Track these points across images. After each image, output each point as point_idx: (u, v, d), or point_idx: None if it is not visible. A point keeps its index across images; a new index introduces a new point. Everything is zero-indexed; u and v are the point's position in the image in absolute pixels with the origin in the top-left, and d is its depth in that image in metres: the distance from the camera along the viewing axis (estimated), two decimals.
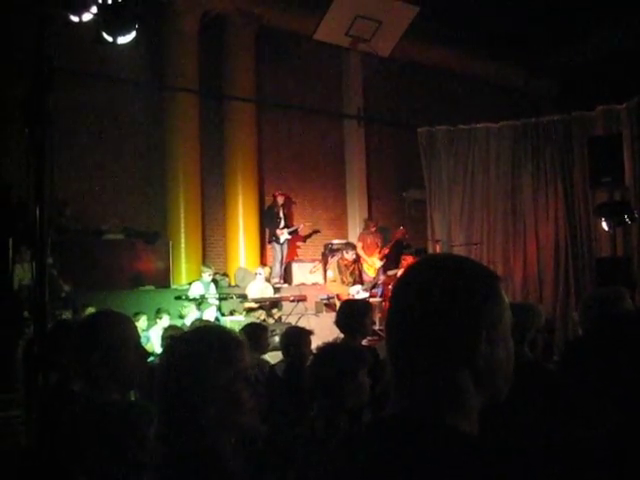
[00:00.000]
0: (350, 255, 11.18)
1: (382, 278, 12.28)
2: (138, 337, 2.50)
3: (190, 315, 10.06)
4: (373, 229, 13.04)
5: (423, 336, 1.21)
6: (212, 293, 11.06)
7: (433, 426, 1.19)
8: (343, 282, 11.03)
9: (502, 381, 1.27)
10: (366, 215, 14.76)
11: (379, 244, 12.67)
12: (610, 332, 1.76)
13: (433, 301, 1.22)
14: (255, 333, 5.73)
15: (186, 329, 6.95)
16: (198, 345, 1.76)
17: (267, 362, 5.78)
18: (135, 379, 2.37)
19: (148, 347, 8.22)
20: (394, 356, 1.27)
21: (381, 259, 12.31)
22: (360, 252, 12.29)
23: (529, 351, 3.49)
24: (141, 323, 9.19)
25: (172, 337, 1.92)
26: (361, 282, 11.35)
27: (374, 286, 11.90)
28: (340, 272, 11.05)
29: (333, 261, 11.66)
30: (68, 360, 2.42)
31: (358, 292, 10.86)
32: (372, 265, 12.30)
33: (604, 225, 9.46)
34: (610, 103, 11.13)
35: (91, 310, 8.27)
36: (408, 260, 11.53)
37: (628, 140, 10.49)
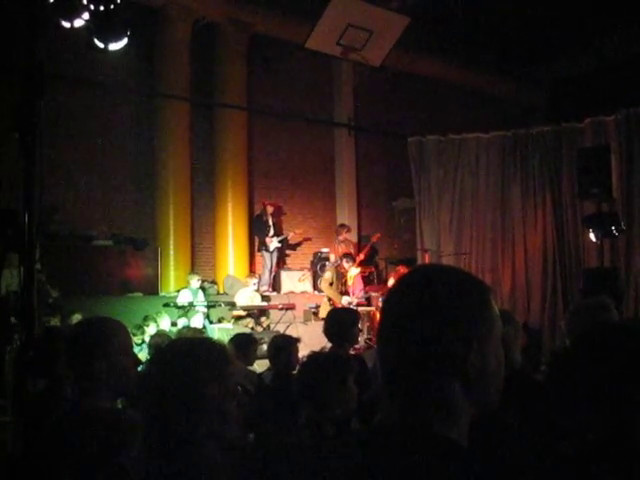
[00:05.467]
0: (348, 265, 11.16)
1: (365, 289, 12.21)
2: (132, 344, 2.50)
3: (163, 322, 9.97)
4: (342, 237, 12.98)
5: (414, 346, 1.21)
6: (200, 300, 11.03)
7: (423, 435, 1.19)
8: (338, 288, 11.00)
9: (493, 391, 1.27)
10: (355, 224, 14.77)
11: (352, 252, 12.62)
12: (596, 342, 1.77)
13: (424, 312, 1.22)
14: (244, 344, 5.73)
15: (173, 336, 6.95)
16: (190, 362, 1.75)
17: (254, 372, 5.78)
18: (127, 386, 2.37)
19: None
20: (385, 365, 1.27)
21: (357, 266, 12.28)
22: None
23: (519, 359, 3.51)
24: (151, 329, 9.15)
25: (162, 348, 1.91)
26: (347, 293, 11.28)
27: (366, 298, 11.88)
28: (337, 278, 11.01)
29: (332, 266, 11.60)
30: (61, 367, 2.41)
31: (350, 303, 10.78)
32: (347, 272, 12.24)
33: (592, 236, 9.50)
34: (599, 115, 11.21)
35: (77, 317, 8.23)
36: (401, 271, 11.52)
37: (616, 152, 10.55)
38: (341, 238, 12.99)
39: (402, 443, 1.18)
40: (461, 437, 1.22)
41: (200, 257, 13.21)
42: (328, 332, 4.72)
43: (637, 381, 1.63)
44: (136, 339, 8.81)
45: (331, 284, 10.98)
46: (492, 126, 12.79)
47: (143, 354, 8.64)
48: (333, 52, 11.75)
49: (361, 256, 12.43)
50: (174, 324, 10.20)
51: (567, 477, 1.69)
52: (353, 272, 12.07)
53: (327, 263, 12.57)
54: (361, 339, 9.94)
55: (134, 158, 12.61)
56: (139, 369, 2.96)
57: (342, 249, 12.51)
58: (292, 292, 12.86)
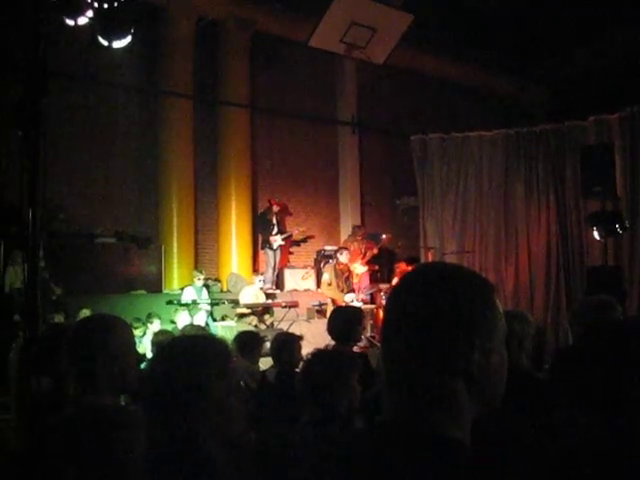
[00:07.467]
0: (344, 257, 11.08)
1: (370, 286, 12.22)
2: (134, 341, 2.50)
3: (181, 320, 10.03)
4: (359, 237, 13.02)
5: (417, 344, 1.21)
6: (204, 298, 11.04)
7: (426, 434, 1.19)
8: (338, 287, 10.96)
9: (495, 389, 1.27)
10: (359, 222, 14.76)
11: (362, 250, 12.63)
12: (599, 341, 1.77)
13: (428, 310, 1.22)
14: (249, 342, 5.73)
15: (177, 334, 6.96)
16: (192, 358, 1.76)
17: (258, 369, 5.78)
18: (129, 383, 2.37)
19: (140, 350, 8.19)
20: (388, 363, 1.27)
21: (364, 264, 12.29)
22: None
23: (525, 359, 3.51)
24: (155, 326, 9.19)
25: (164, 345, 1.92)
26: (352, 290, 11.26)
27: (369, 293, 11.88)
28: (336, 277, 10.97)
29: (330, 265, 11.59)
30: (64, 364, 2.41)
31: (353, 301, 10.75)
32: (353, 270, 12.24)
33: (595, 234, 9.49)
34: (602, 113, 11.20)
35: (86, 312, 8.25)
36: (402, 267, 11.51)
37: (620, 150, 10.55)
38: (358, 238, 13.01)
39: (405, 442, 1.18)
40: (464, 436, 1.22)
41: (203, 255, 13.21)
42: (332, 330, 4.72)
43: (637, 379, 1.63)
44: (137, 332, 8.85)
45: (329, 285, 10.95)
46: (495, 124, 12.79)
47: (143, 347, 8.68)
48: (337, 50, 11.74)
49: (375, 251, 12.45)
50: (173, 321, 10.23)
51: (568, 476, 1.69)
52: (360, 270, 12.07)
53: (330, 261, 12.56)
54: (365, 337, 9.92)
55: (137, 156, 12.62)
56: (142, 366, 2.96)
57: (355, 247, 12.53)
58: (295, 290, 12.86)
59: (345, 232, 14.75)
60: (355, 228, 13.61)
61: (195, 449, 1.69)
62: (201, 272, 11.47)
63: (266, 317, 11.54)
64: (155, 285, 11.64)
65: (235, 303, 11.42)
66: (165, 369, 1.77)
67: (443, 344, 1.20)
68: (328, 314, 9.67)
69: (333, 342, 4.73)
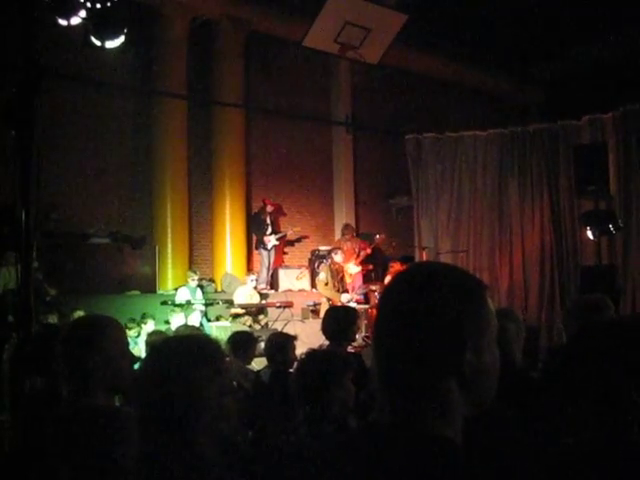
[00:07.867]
0: (339, 257, 11.09)
1: (363, 286, 12.23)
2: (128, 342, 2.50)
3: (175, 320, 10.02)
4: (348, 236, 13.03)
5: (409, 344, 1.21)
6: (198, 299, 11.03)
7: (418, 434, 1.19)
8: (334, 287, 10.94)
9: (488, 388, 1.27)
10: (353, 221, 14.77)
11: (356, 250, 12.64)
12: (593, 340, 1.78)
13: (419, 309, 1.22)
14: (244, 342, 5.72)
15: (171, 334, 6.95)
16: (185, 358, 1.76)
17: (251, 369, 5.77)
18: (124, 384, 2.36)
19: (134, 351, 8.17)
20: (381, 363, 1.27)
21: (358, 265, 12.30)
22: None
23: (519, 358, 3.52)
24: (148, 326, 9.19)
25: (157, 346, 1.91)
26: (346, 290, 11.26)
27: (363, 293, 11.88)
28: (332, 277, 10.95)
29: (325, 265, 11.58)
30: (57, 364, 2.40)
31: (349, 301, 10.73)
32: (346, 270, 12.25)
33: (589, 234, 9.51)
34: (596, 112, 11.21)
35: (79, 313, 8.24)
36: (395, 267, 11.51)
37: (613, 149, 10.57)
38: (347, 237, 13.02)
39: (398, 441, 1.18)
40: (456, 435, 1.22)
41: (198, 255, 13.21)
42: (326, 330, 4.72)
43: (631, 378, 1.63)
44: (131, 332, 8.86)
45: (326, 284, 10.93)
46: (489, 124, 12.80)
47: (138, 349, 8.67)
48: (331, 50, 11.71)
49: (368, 251, 12.45)
50: (167, 322, 10.22)
51: (563, 475, 1.69)
52: (354, 270, 12.06)
53: (324, 261, 12.56)
54: (359, 337, 9.92)
55: (131, 156, 12.60)
56: (135, 366, 2.95)
57: (347, 247, 12.52)
58: (290, 290, 12.85)
59: (339, 232, 14.75)
60: (344, 227, 13.59)
61: (188, 449, 1.69)
62: (195, 272, 11.47)
63: (260, 317, 11.53)
64: (149, 285, 11.62)
65: (229, 303, 11.41)
66: (158, 369, 1.77)
67: (435, 343, 1.20)
68: (322, 314, 9.70)
69: (327, 342, 4.73)
